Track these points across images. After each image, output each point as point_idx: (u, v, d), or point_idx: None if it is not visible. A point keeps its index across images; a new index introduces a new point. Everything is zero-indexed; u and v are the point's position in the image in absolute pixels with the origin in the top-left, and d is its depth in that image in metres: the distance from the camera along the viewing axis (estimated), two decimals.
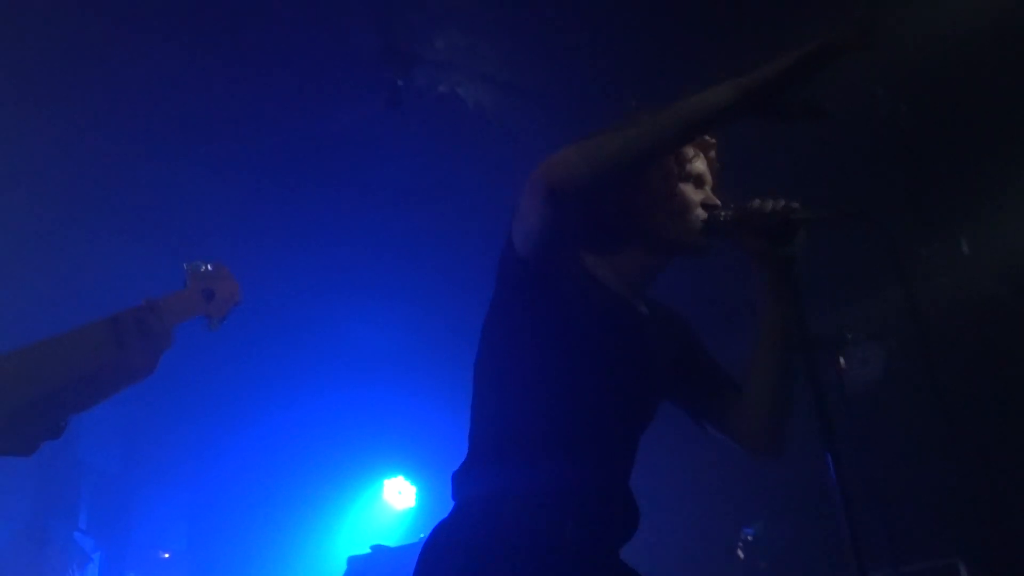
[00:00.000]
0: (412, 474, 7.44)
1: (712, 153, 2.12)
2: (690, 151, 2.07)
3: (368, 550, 5.63)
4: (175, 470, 6.88)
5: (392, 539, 6.55)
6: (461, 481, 1.92)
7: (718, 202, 2.05)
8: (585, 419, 1.89)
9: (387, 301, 6.11)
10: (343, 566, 5.67)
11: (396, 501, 7.42)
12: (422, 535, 5.64)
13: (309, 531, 7.11)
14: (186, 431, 6.62)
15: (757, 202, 1.95)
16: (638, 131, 1.78)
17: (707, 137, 2.11)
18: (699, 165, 2.08)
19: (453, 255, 5.42)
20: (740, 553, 5.10)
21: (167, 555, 6.83)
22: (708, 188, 2.08)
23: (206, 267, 2.35)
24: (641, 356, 2.01)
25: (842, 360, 3.61)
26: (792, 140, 4.34)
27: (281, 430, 6.90)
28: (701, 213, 2.02)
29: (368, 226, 5.50)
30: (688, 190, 2.04)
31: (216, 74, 4.38)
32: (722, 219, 1.99)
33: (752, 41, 4.37)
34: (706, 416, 2.16)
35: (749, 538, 5.14)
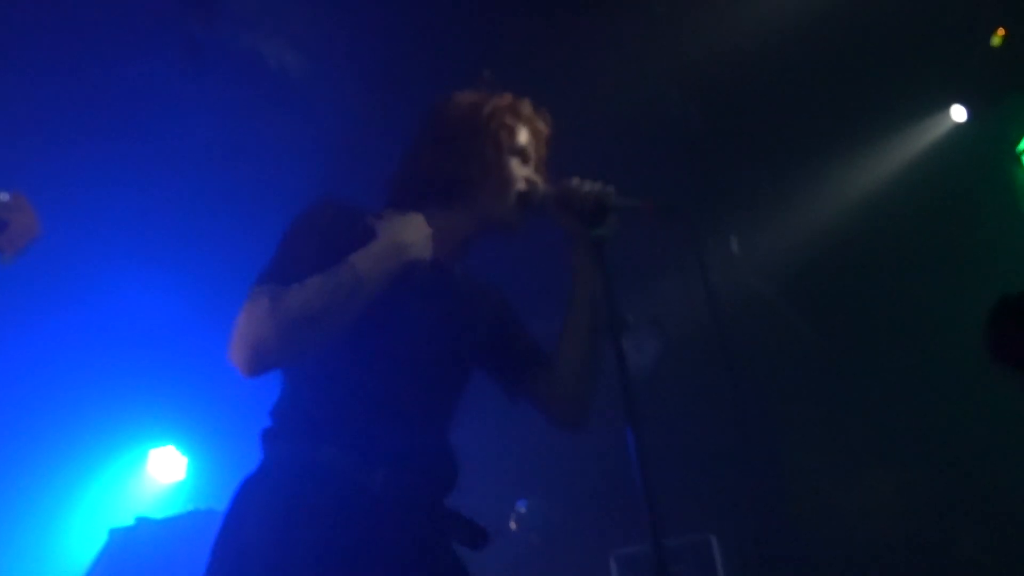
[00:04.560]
0: (184, 444, 7.10)
1: (541, 130, 2.19)
2: (521, 128, 2.14)
3: (132, 522, 5.38)
4: None
5: (158, 512, 6.24)
6: (271, 436, 1.92)
7: (538, 179, 2.13)
8: (394, 373, 1.92)
9: (167, 263, 5.80)
10: (103, 538, 5.40)
11: (162, 473, 7.04)
12: (192, 507, 5.46)
13: (61, 501, 6.62)
14: None
15: (575, 182, 2.03)
16: (326, 302, 1.80)
17: (538, 118, 2.19)
18: (524, 140, 2.15)
19: (242, 221, 5.21)
20: (513, 525, 5.24)
21: None
22: (532, 165, 2.16)
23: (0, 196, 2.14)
24: (451, 313, 2.05)
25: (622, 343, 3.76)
26: (586, 128, 4.50)
27: (31, 389, 6.36)
28: (522, 186, 2.10)
29: (150, 184, 5.19)
30: (515, 164, 2.11)
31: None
32: (540, 194, 2.08)
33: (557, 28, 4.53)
34: (516, 385, 2.23)
35: (522, 511, 5.29)
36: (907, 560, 4.87)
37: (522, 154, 2.13)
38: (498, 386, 2.25)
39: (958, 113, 5.47)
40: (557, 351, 2.17)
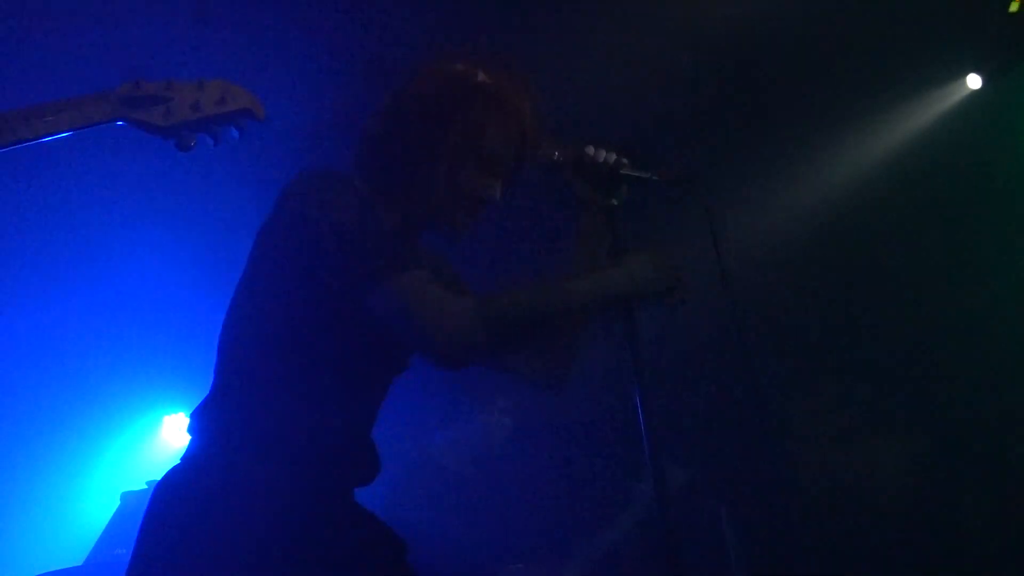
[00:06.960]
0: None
1: (519, 113, 2.05)
2: (490, 125, 1.99)
3: (144, 486, 5.42)
4: None
5: None
6: (200, 419, 1.90)
7: (496, 196, 2.02)
8: (334, 365, 1.90)
9: (177, 227, 5.80)
10: (116, 502, 5.45)
11: (175, 439, 7.11)
12: None
13: (74, 463, 6.68)
14: None
15: (591, 150, 2.05)
16: (537, 312, 1.83)
17: (517, 100, 2.04)
18: (491, 140, 1.99)
19: (249, 183, 5.19)
20: None
21: None
22: (500, 166, 2.03)
23: (189, 82, 1.66)
24: None
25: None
26: (594, 91, 4.46)
27: (50, 358, 6.41)
28: (480, 196, 2.01)
29: (159, 146, 5.16)
30: (474, 175, 2.00)
31: None
32: (556, 160, 2.09)
33: None
34: None
35: None
36: (910, 526, 4.87)
37: (490, 162, 2.00)
38: None
39: (974, 82, 5.39)
40: None
